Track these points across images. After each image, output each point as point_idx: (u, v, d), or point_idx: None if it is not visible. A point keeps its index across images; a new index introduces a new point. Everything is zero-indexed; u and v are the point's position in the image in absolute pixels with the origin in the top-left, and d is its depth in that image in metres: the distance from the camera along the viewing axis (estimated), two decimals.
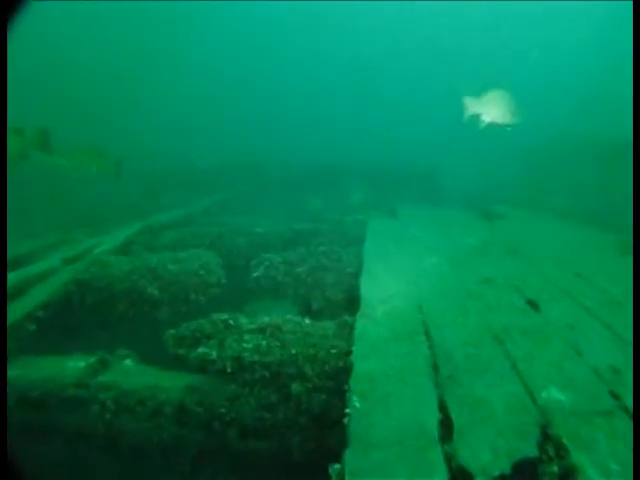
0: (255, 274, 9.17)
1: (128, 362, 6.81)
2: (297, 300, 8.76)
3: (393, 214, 14.09)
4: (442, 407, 4.34)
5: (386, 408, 4.33)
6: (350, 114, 41.25)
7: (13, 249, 11.90)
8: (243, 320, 6.70)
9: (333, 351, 5.93)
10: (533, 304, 6.73)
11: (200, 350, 6.08)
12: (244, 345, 6.03)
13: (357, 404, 4.35)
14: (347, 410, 4.30)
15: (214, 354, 5.97)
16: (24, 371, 6.68)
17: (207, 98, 41.81)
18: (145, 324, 8.61)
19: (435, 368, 5.01)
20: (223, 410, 5.78)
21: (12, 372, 6.63)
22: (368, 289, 7.19)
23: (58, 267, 9.39)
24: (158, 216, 14.12)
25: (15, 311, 7.63)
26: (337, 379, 5.65)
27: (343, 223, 13.76)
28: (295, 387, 5.69)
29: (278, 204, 19.37)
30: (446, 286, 7.51)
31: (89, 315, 8.64)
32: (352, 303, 8.11)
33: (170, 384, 6.22)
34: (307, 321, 6.78)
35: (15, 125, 9.85)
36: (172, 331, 6.58)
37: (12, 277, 8.70)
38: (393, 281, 7.58)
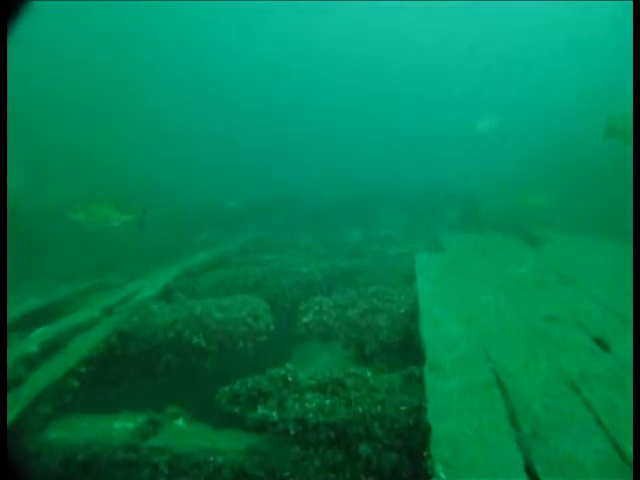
0: (305, 319, 8.80)
1: (180, 422, 6.41)
2: (349, 344, 8.39)
3: (436, 245, 13.72)
4: (530, 470, 3.97)
5: (473, 477, 3.94)
6: (378, 141, 40.93)
7: (48, 294, 11.72)
8: (302, 375, 6.34)
9: (402, 408, 5.57)
10: (601, 343, 6.33)
11: (260, 412, 5.73)
12: (307, 405, 5.67)
13: (442, 474, 3.98)
14: None
15: (275, 416, 5.61)
16: (67, 432, 6.35)
17: (231, 136, 41.64)
18: (192, 375, 8.28)
19: (515, 424, 4.63)
20: (287, 473, 5.41)
21: (54, 434, 6.34)
22: (430, 335, 6.74)
23: (98, 317, 9.06)
24: (195, 257, 13.84)
25: (55, 367, 7.28)
26: (407, 437, 5.30)
27: (386, 256, 13.42)
28: (364, 447, 5.32)
29: (315, 237, 19.01)
30: (509, 325, 7.10)
31: (133, 366, 8.31)
32: (407, 346, 7.82)
33: (227, 446, 5.83)
34: (369, 374, 6.38)
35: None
36: (226, 388, 6.24)
37: (50, 330, 8.43)
38: (453, 323, 7.16)
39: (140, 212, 10.70)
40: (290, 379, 6.19)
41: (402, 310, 8.57)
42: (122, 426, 6.33)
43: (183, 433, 6.21)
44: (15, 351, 7.53)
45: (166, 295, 10.64)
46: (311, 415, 5.52)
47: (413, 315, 8.12)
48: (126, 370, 8.29)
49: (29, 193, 19.21)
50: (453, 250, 12.69)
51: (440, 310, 7.71)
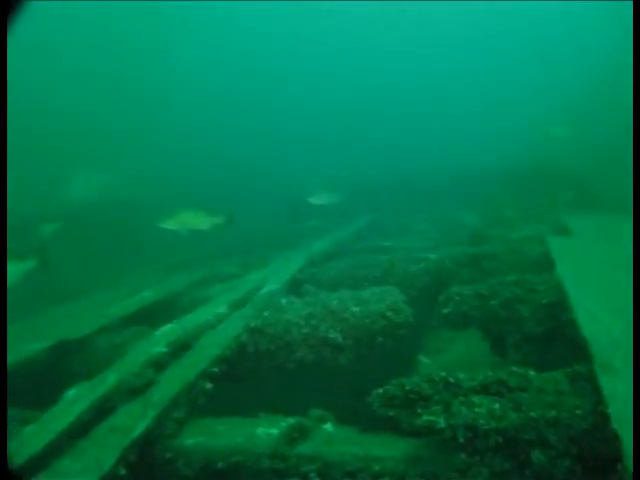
0: (445, 310, 8.44)
1: (328, 427, 6.01)
2: (489, 336, 8.03)
3: (560, 227, 13.18)
4: None
5: None
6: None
7: (160, 285, 11.71)
8: (461, 376, 5.92)
9: (577, 412, 5.12)
10: None
11: (425, 417, 5.31)
12: (476, 410, 5.25)
13: None
14: None
15: (442, 422, 5.18)
16: (205, 438, 6.00)
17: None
18: (326, 372, 7.97)
19: None
20: None
21: (190, 439, 5.99)
22: (591, 330, 6.24)
23: (225, 313, 8.88)
24: (313, 245, 13.57)
25: (186, 368, 7.04)
26: (582, 444, 4.87)
27: (511, 240, 12.85)
28: (536, 455, 4.89)
29: (430, 221, 18.57)
30: None
31: (264, 364, 8.03)
32: (551, 339, 7.46)
33: (383, 453, 5.41)
34: (532, 373, 5.95)
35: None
36: (379, 390, 5.82)
37: (176, 327, 8.28)
38: (610, 317, 6.65)
39: (228, 214, 10.62)
40: (452, 380, 5.80)
41: (545, 300, 8.10)
42: (266, 432, 5.96)
43: (333, 439, 5.81)
44: (142, 353, 7.37)
45: (293, 288, 10.39)
46: (482, 421, 5.10)
47: (558, 306, 7.68)
48: (257, 368, 8.03)
49: (114, 191, 19.47)
50: (581, 233, 12.11)
51: (592, 301, 7.20)
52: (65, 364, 8.78)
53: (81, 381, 6.71)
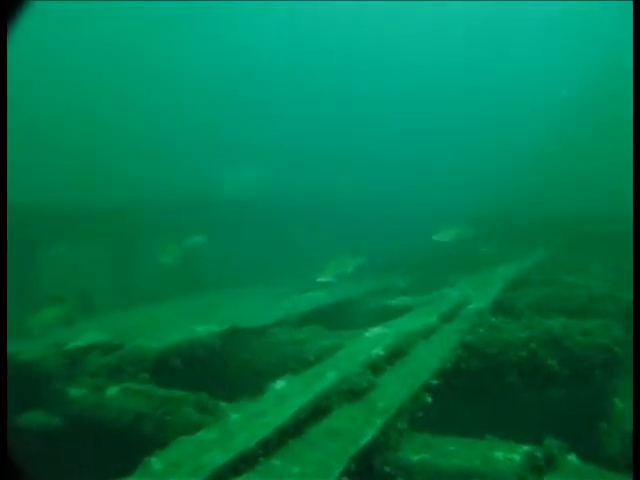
0: None
1: (573, 458, 5.59)
2: None
3: None
4: None
5: None
6: None
7: (333, 289, 12.05)
8: None
9: None
10: None
11: None
12: None
13: None
14: None
15: None
16: (431, 455, 5.55)
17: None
18: (535, 400, 7.83)
19: None
20: None
21: (415, 455, 5.53)
22: None
23: (435, 323, 8.72)
24: (499, 270, 13.42)
25: (406, 376, 6.74)
26: None
27: None
28: None
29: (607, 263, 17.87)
30: None
31: (471, 383, 7.85)
32: None
33: None
34: None
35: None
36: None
37: (387, 332, 8.16)
38: None
39: (369, 255, 11.86)
40: None
41: None
42: (506, 456, 5.54)
43: (582, 473, 5.38)
44: (358, 352, 7.19)
45: (504, 308, 10.22)
46: None
47: None
48: (466, 386, 7.86)
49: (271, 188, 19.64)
50: None
51: None
52: (238, 351, 8.95)
53: (287, 374, 6.54)
